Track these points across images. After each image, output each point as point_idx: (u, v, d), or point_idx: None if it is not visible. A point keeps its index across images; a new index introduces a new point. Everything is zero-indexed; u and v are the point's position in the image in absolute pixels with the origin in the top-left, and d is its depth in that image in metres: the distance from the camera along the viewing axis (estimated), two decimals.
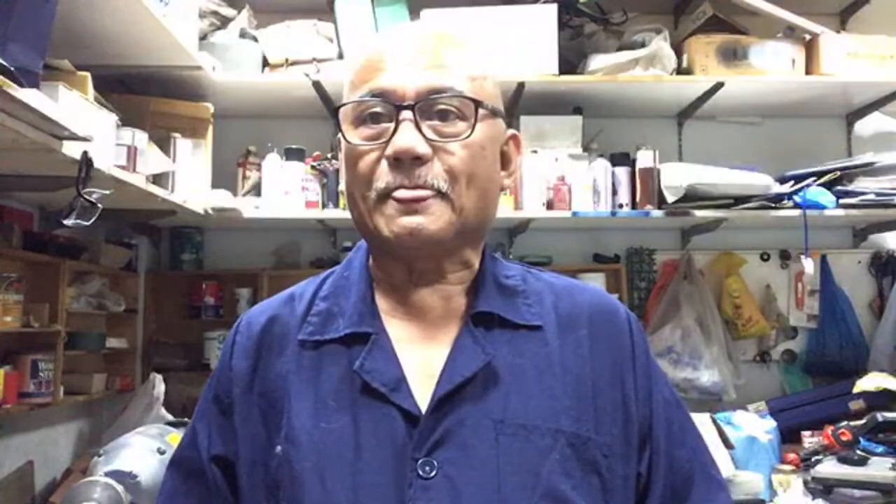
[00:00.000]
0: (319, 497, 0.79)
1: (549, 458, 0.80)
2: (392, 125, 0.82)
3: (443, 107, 0.83)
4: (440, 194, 0.82)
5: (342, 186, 0.93)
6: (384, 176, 0.83)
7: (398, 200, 0.82)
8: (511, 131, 0.93)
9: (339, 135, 0.87)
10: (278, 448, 0.83)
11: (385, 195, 0.83)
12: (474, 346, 0.84)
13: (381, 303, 0.89)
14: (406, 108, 0.82)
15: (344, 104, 0.86)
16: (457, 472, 0.78)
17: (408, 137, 0.81)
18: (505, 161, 0.92)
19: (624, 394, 0.87)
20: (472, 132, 0.83)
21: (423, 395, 0.82)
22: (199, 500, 0.90)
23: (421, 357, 0.85)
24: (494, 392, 0.82)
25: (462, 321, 0.87)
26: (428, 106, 0.83)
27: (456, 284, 0.89)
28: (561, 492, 0.80)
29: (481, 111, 0.84)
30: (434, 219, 0.82)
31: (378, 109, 0.84)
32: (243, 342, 0.91)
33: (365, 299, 0.88)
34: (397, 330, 0.87)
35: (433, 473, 0.78)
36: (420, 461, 0.79)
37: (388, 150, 0.82)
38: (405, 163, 0.82)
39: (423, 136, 0.82)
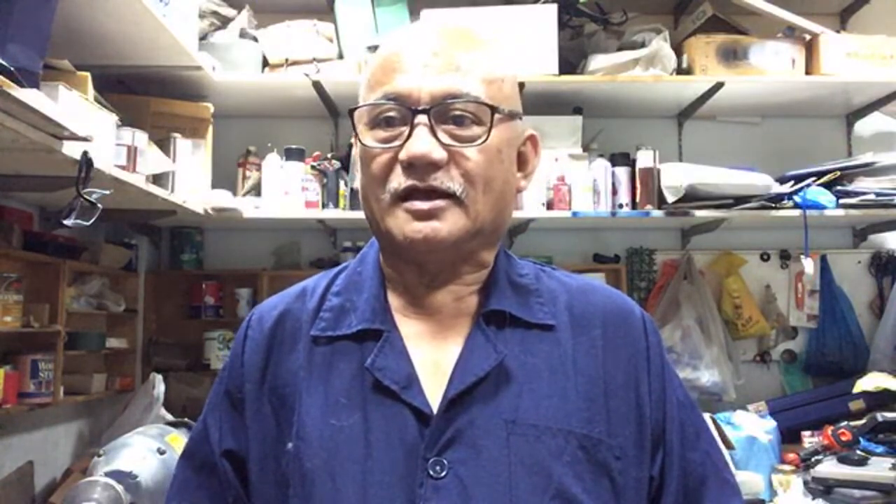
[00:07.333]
0: (329, 495, 0.79)
1: (561, 460, 0.80)
2: (406, 129, 0.81)
3: (458, 112, 0.82)
4: (455, 200, 0.82)
5: (356, 184, 0.91)
6: (397, 177, 0.82)
7: (412, 211, 0.81)
8: (529, 131, 0.92)
9: (354, 135, 0.86)
10: (289, 445, 0.83)
11: (398, 197, 0.82)
12: (486, 345, 0.83)
13: (393, 300, 0.89)
14: (421, 112, 0.81)
15: (358, 107, 0.85)
16: (468, 473, 0.78)
17: (422, 143, 0.80)
18: (522, 162, 0.91)
19: (638, 395, 0.87)
20: (487, 137, 0.82)
21: (434, 393, 0.81)
22: (210, 493, 0.90)
23: (432, 355, 0.85)
24: (506, 392, 0.82)
25: (473, 320, 0.86)
26: (443, 111, 0.82)
27: (470, 284, 0.88)
28: (572, 494, 0.79)
29: (497, 116, 0.83)
30: (448, 224, 0.81)
31: (393, 113, 0.82)
32: (255, 337, 0.91)
33: (378, 296, 0.88)
34: (409, 328, 0.86)
35: (444, 473, 0.78)
36: (431, 461, 0.78)
37: (403, 155, 0.81)
38: (419, 167, 0.81)
39: (439, 140, 0.81)
